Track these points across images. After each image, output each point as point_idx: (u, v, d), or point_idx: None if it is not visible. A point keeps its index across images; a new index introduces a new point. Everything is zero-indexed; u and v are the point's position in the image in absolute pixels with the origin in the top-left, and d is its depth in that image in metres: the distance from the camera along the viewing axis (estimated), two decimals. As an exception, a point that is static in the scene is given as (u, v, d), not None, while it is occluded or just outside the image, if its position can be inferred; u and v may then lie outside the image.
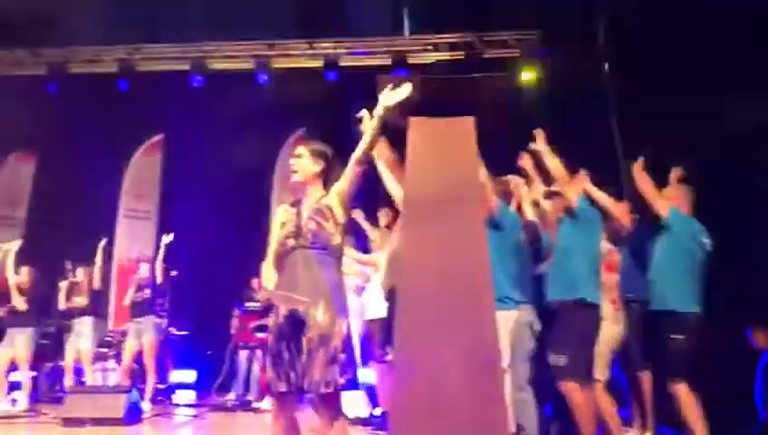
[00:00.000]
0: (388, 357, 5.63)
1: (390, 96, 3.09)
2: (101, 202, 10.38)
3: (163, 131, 10.79)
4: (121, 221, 10.48)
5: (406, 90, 3.07)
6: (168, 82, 10.35)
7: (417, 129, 3.13)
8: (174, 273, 7.69)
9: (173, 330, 8.68)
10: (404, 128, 3.22)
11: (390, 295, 3.89)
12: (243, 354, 8.41)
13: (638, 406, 4.91)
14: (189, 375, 9.66)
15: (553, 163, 4.17)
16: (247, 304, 8.68)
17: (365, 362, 6.34)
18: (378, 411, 6.37)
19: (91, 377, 7.75)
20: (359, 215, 5.97)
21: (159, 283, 7.81)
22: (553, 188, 4.41)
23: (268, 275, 3.20)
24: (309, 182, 3.30)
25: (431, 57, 10.07)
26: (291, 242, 3.18)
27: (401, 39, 10.22)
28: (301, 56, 10.40)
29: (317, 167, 3.30)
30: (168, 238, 7.83)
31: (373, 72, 9.96)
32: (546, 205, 4.58)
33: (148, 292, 7.76)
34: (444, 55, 10.10)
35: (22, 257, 8.29)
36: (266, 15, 10.16)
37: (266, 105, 10.10)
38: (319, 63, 10.22)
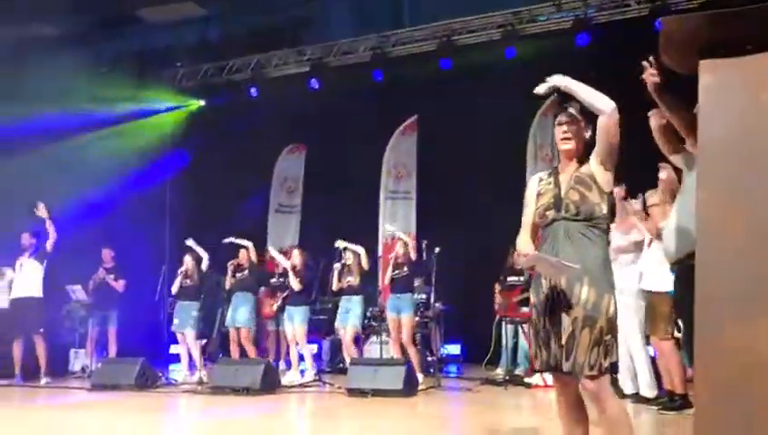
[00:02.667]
0: (677, 334, 5.19)
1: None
2: (366, 185, 10.96)
3: (417, 113, 11.04)
4: (384, 202, 10.97)
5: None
6: (418, 64, 10.59)
7: (711, 73, 2.73)
8: (437, 249, 7.82)
9: (439, 305, 8.89)
10: (689, 73, 2.85)
11: (680, 267, 3.49)
12: (508, 329, 8.36)
13: None
14: (456, 349, 9.87)
15: None
16: (509, 279, 8.60)
17: (647, 338, 5.91)
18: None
19: (354, 353, 8.21)
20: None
21: (417, 260, 8.03)
22: None
23: (524, 249, 3.03)
24: (580, 150, 3.03)
25: (697, -1, 9.06)
26: (551, 214, 2.97)
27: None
28: (549, 21, 9.99)
29: (587, 134, 3.03)
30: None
31: (629, 26, 9.26)
32: None
33: (405, 269, 8.01)
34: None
35: (300, 240, 9.15)
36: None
37: (514, 76, 9.88)
38: (568, 25, 9.73)
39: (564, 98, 3.07)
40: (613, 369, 2.90)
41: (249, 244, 8.88)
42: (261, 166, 11.82)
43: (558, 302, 2.87)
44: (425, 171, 10.97)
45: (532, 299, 3.02)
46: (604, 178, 2.94)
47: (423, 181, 10.98)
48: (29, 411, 6.52)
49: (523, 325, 8.13)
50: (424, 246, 8.27)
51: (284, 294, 8.83)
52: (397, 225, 10.56)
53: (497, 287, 8.69)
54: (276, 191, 12.03)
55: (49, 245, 8.49)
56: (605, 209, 2.93)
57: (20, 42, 8.77)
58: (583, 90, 2.91)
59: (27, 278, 8.50)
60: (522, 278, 8.48)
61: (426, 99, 10.55)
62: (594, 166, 2.96)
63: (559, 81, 2.94)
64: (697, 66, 2.78)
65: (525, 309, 8.27)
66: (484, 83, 9.79)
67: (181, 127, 12.12)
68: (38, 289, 8.52)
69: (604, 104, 2.88)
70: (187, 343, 8.70)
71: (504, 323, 8.33)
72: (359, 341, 8.39)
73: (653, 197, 5.16)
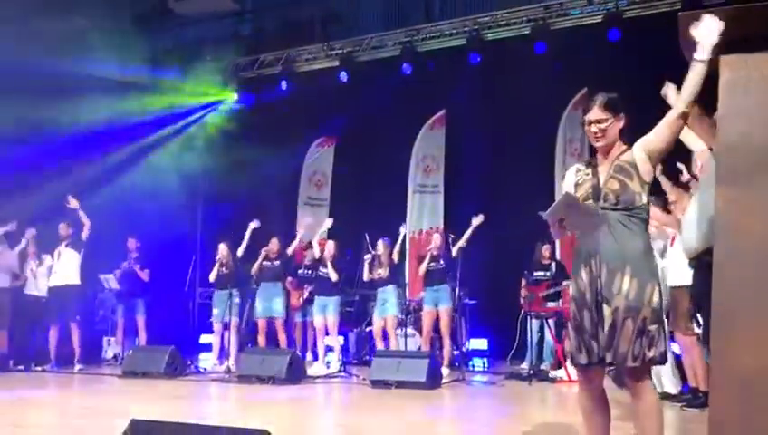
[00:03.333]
0: (696, 330, 5.15)
1: (711, 31, 2.62)
2: (393, 179, 10.98)
3: (445, 107, 11.02)
4: (412, 196, 10.98)
5: (716, 21, 2.59)
6: (447, 59, 10.57)
7: (732, 69, 2.71)
8: (463, 245, 7.86)
9: (465, 297, 8.92)
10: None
11: (698, 261, 3.47)
12: (534, 324, 8.35)
13: None
14: (483, 343, 9.86)
15: None
16: (535, 273, 8.61)
17: (670, 334, 5.87)
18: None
19: (395, 343, 8.29)
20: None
21: (454, 254, 8.06)
22: None
23: (555, 236, 3.07)
24: (614, 144, 2.99)
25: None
26: (590, 204, 2.97)
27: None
28: (581, 15, 9.88)
29: (620, 123, 2.98)
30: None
31: (660, 20, 9.10)
32: None
33: (442, 262, 8.07)
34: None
35: (329, 233, 9.27)
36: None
37: (544, 71, 9.83)
38: (599, 19, 9.60)
39: (595, 91, 3.05)
40: (663, 360, 2.86)
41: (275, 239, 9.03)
42: (291, 159, 11.93)
43: (599, 293, 2.86)
44: (453, 165, 10.95)
45: (572, 292, 3.00)
46: (645, 167, 2.90)
47: (451, 175, 10.97)
48: (61, 397, 6.71)
49: (549, 320, 8.13)
50: (451, 239, 8.28)
51: (312, 287, 8.93)
52: (426, 218, 10.62)
53: (523, 282, 8.69)
54: (305, 184, 12.13)
55: (84, 234, 8.75)
56: (645, 199, 2.89)
57: (58, 36, 8.94)
58: (694, 77, 2.74)
59: (65, 267, 8.74)
60: (548, 273, 8.49)
61: (455, 93, 10.52)
62: (638, 154, 2.91)
63: (706, 40, 2.67)
64: (718, 62, 2.78)
65: (551, 304, 8.27)
66: (513, 78, 9.74)
67: (213, 120, 12.29)
68: (76, 277, 8.76)
69: (684, 102, 2.80)
70: (230, 330, 8.75)
71: (529, 317, 8.32)
72: (386, 333, 8.43)
73: (672, 194, 5.10)
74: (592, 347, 2.87)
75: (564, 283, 8.39)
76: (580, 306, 2.93)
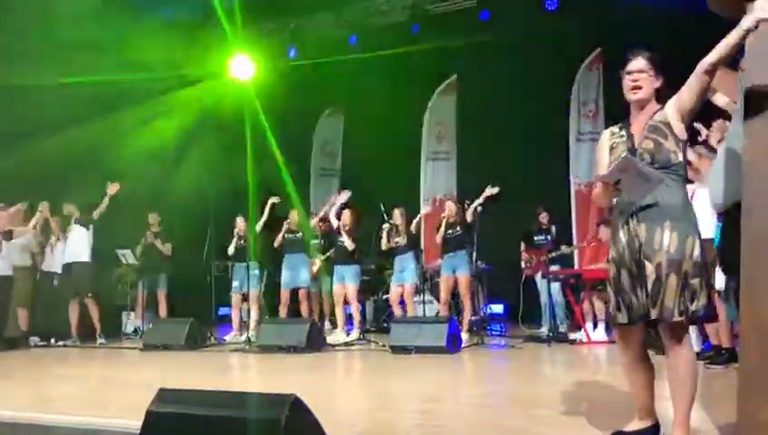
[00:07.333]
0: (718, 287, 5.11)
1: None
2: (405, 146, 10.91)
3: (456, 72, 10.89)
4: (425, 163, 10.93)
5: None
6: (456, 21, 10.45)
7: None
8: (480, 208, 7.82)
9: (482, 264, 8.90)
10: (734, 17, 2.76)
11: (726, 216, 3.41)
12: (545, 287, 8.33)
13: None
14: (499, 308, 9.88)
15: None
16: (536, 238, 8.64)
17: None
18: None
19: (412, 310, 8.32)
20: None
21: (469, 220, 8.03)
22: None
23: (601, 202, 3.07)
24: (651, 99, 3.00)
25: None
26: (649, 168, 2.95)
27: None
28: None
29: (658, 82, 2.99)
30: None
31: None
32: None
33: (459, 229, 8.04)
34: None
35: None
36: None
37: (557, 29, 9.69)
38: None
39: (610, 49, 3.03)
40: (707, 313, 2.81)
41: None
42: (302, 129, 11.87)
43: (639, 251, 2.87)
44: (465, 131, 10.86)
45: (611, 254, 3.02)
46: (679, 126, 2.91)
47: (463, 141, 10.88)
48: (85, 370, 6.78)
49: (556, 283, 8.17)
50: (466, 206, 8.25)
51: (324, 256, 8.95)
52: (438, 185, 10.58)
53: (522, 246, 8.70)
54: (317, 155, 12.09)
55: (96, 213, 8.77)
56: (681, 157, 2.91)
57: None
58: (733, 39, 2.65)
59: (75, 244, 8.78)
60: (548, 237, 8.51)
61: (465, 57, 10.40)
62: (671, 112, 2.92)
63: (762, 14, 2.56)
64: (744, 9, 2.70)
65: (554, 267, 8.28)
66: (524, 38, 9.63)
67: (222, 91, 12.20)
68: (85, 254, 8.81)
69: (714, 57, 2.72)
70: (249, 301, 8.81)
71: (547, 281, 8.29)
72: (403, 301, 8.45)
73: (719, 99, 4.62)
74: (633, 305, 2.89)
75: (563, 247, 8.44)
76: (619, 266, 2.95)
